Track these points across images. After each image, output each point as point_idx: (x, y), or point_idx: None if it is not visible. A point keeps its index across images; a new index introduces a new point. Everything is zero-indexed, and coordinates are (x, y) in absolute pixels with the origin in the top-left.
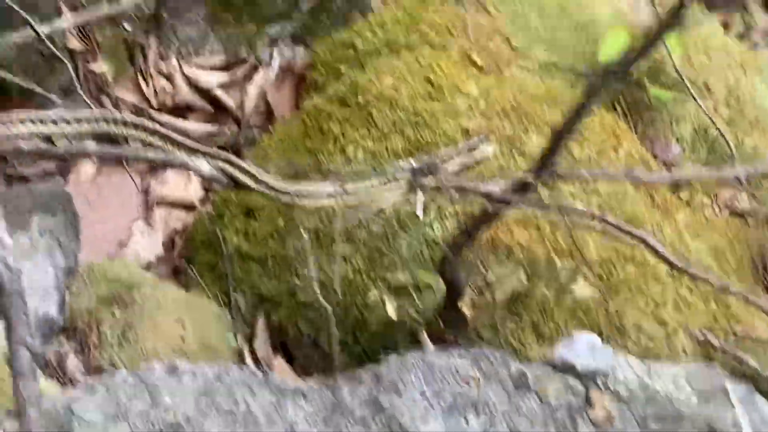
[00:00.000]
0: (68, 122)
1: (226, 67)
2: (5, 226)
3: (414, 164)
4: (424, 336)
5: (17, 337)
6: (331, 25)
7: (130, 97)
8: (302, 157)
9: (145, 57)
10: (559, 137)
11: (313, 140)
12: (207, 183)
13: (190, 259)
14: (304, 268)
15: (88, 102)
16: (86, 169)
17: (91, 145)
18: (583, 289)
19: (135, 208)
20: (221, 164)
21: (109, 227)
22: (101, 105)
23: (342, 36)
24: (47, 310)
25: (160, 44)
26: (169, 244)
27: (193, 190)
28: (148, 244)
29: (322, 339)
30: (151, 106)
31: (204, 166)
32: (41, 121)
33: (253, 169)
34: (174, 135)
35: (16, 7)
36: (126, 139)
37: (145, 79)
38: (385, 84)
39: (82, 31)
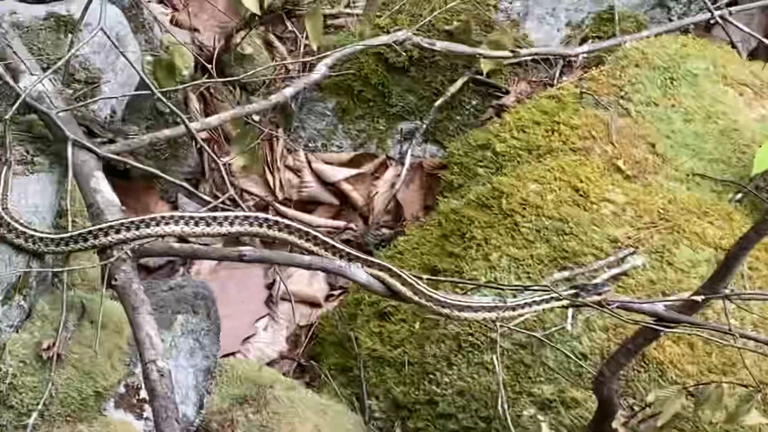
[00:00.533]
0: (220, 223)
1: (354, 162)
2: (156, 328)
3: (576, 280)
4: None
5: None
6: (463, 124)
7: (255, 188)
8: (441, 262)
9: (272, 149)
10: (732, 258)
11: (454, 245)
12: (333, 280)
13: (317, 358)
14: (444, 376)
15: (214, 191)
16: (208, 262)
17: (248, 251)
18: (755, 417)
19: (259, 304)
20: (379, 273)
21: (232, 322)
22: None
23: (478, 136)
24: (185, 412)
25: (288, 137)
26: (293, 341)
27: (318, 288)
28: (272, 340)
29: None
30: (277, 199)
31: (360, 274)
32: (189, 220)
33: (411, 280)
34: (332, 241)
35: (174, 110)
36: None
37: (271, 172)
38: (529, 190)
39: None
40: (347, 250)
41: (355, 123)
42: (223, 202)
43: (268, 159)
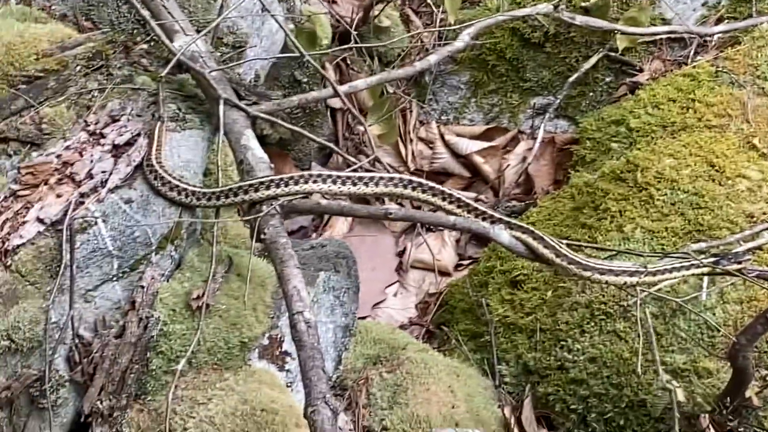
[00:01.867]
0: (366, 183)
1: (485, 136)
2: (304, 282)
3: (716, 251)
4: (706, 422)
5: (317, 393)
6: (595, 100)
7: (387, 158)
8: (574, 233)
9: (405, 121)
10: None
11: (587, 216)
12: (463, 250)
13: (446, 324)
14: (576, 343)
15: (348, 159)
16: (340, 225)
17: (394, 208)
18: None
19: (389, 271)
20: (522, 235)
21: (363, 287)
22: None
23: (611, 112)
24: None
25: (422, 109)
26: (422, 309)
27: (448, 257)
28: (402, 307)
29: (593, 417)
30: (409, 170)
31: (504, 235)
32: (337, 179)
33: (553, 242)
34: (474, 203)
35: (321, 71)
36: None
37: (404, 143)
38: (664, 164)
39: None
40: (490, 212)
41: (487, 97)
42: (362, 167)
43: (402, 130)
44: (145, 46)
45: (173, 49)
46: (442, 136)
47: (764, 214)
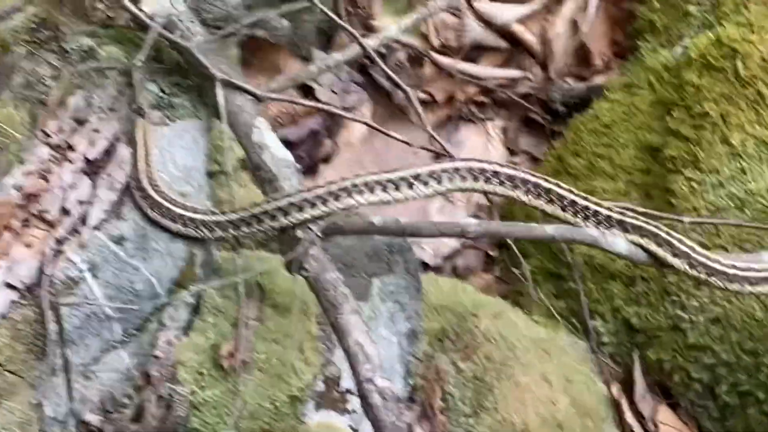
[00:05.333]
0: (425, 182)
1: None
2: (367, 331)
3: None
4: None
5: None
6: None
7: (404, 36)
8: (664, 144)
9: None
10: None
11: (679, 122)
12: (513, 143)
13: (508, 249)
14: (691, 298)
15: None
16: (358, 126)
17: (472, 225)
18: None
19: None
20: (643, 240)
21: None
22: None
23: None
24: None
25: None
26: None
27: (496, 152)
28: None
29: (724, 390)
30: (433, 47)
31: (620, 243)
32: (387, 184)
33: (685, 246)
34: (571, 194)
35: None
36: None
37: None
38: None
39: None
40: (594, 206)
41: None
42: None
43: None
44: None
45: (141, 18)
46: (470, 4)
47: None
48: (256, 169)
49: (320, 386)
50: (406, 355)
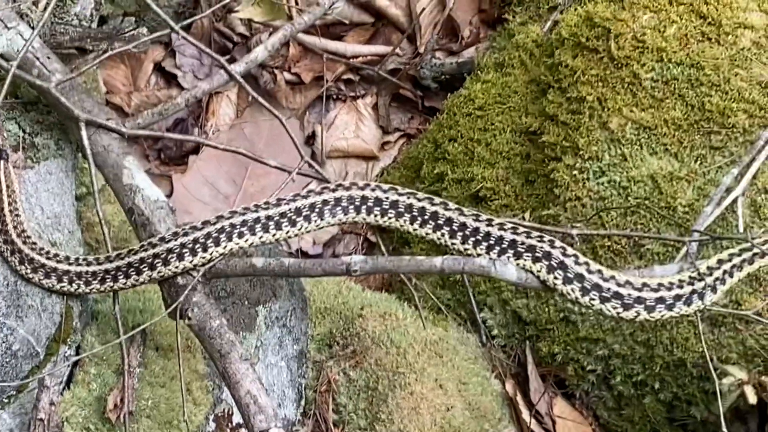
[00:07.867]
0: (307, 217)
1: None
2: (258, 380)
3: None
4: None
5: None
6: None
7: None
8: (542, 129)
9: None
10: None
11: (556, 105)
12: (385, 122)
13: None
14: None
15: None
16: (224, 109)
17: (357, 262)
18: None
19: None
20: (534, 266)
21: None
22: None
23: None
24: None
25: None
26: None
27: (369, 135)
28: None
29: (618, 380)
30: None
31: (509, 270)
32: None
33: (581, 267)
34: (462, 214)
35: None
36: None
37: None
38: (641, 24)
39: None
40: (485, 227)
41: None
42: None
43: None
44: None
45: None
46: None
47: None
48: (129, 213)
49: (212, 427)
50: (297, 378)
